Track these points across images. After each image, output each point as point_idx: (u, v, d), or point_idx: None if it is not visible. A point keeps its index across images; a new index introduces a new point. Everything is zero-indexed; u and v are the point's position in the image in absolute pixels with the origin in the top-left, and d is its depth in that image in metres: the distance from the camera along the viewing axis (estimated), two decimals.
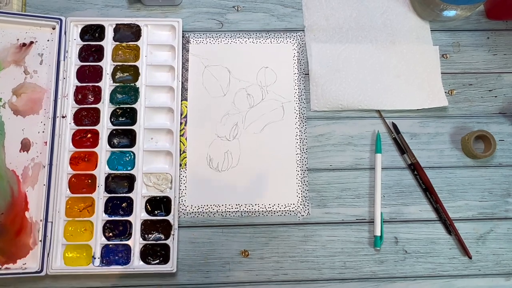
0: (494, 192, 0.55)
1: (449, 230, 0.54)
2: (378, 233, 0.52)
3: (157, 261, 0.51)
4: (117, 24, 0.57)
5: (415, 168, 0.55)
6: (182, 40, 0.58)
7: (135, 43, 0.57)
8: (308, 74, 0.58)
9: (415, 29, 0.59)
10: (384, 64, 0.58)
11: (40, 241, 0.50)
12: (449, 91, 0.58)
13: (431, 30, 0.60)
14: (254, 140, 0.55)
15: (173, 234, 0.51)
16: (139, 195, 0.53)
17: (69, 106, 0.55)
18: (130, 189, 0.53)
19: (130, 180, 0.53)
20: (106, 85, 0.55)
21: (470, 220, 0.54)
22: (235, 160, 0.55)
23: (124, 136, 0.54)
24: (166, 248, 0.51)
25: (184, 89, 0.57)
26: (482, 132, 0.55)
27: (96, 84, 0.55)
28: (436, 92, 0.57)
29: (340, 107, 0.57)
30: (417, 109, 0.57)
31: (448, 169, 0.56)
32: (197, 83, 0.57)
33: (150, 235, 0.52)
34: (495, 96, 0.58)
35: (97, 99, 0.55)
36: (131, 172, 0.53)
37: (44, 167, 0.52)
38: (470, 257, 0.53)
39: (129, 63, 0.56)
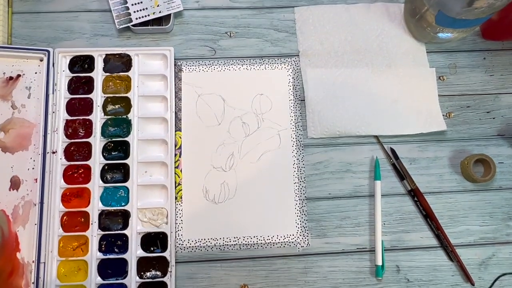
0: (495, 216, 0.57)
1: (451, 257, 0.55)
2: (379, 262, 0.54)
3: None
4: (106, 54, 0.58)
5: (415, 194, 0.56)
6: (174, 68, 0.59)
7: (126, 73, 0.58)
8: (304, 100, 0.59)
9: (411, 51, 0.61)
10: (381, 88, 0.59)
11: (33, 283, 0.51)
12: (447, 113, 0.60)
13: (427, 52, 0.62)
14: (251, 170, 0.56)
15: (171, 271, 0.53)
16: (134, 231, 0.54)
17: (59, 141, 0.55)
18: (125, 225, 0.54)
19: (124, 217, 0.54)
20: (97, 118, 0.56)
21: (471, 246, 0.56)
22: (232, 191, 0.56)
23: (117, 171, 0.55)
24: (164, 285, 0.52)
25: (177, 119, 0.57)
26: (481, 156, 0.57)
27: (87, 117, 0.56)
28: (434, 116, 0.59)
29: (338, 133, 0.58)
30: (415, 134, 0.58)
31: (448, 194, 0.57)
32: (190, 112, 0.58)
33: (147, 273, 0.53)
34: (493, 118, 0.60)
35: (88, 132, 0.56)
36: (125, 208, 0.54)
37: (35, 205, 0.53)
38: (473, 284, 0.55)
39: (120, 95, 0.57)
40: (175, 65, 0.59)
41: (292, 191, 0.56)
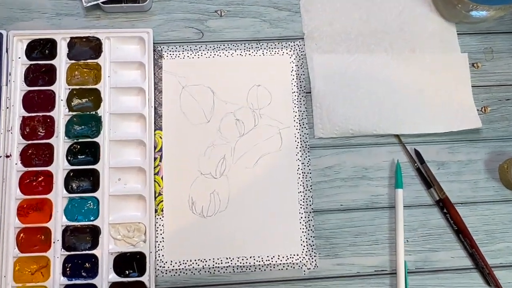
0: None
1: (488, 281, 0.54)
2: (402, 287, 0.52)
3: None
4: (72, 38, 0.56)
5: (444, 205, 0.55)
6: (154, 55, 0.57)
7: (95, 60, 0.56)
8: (310, 92, 0.58)
9: (438, 33, 0.59)
10: (403, 77, 0.58)
11: None
12: (482, 108, 0.58)
13: (457, 34, 0.60)
14: (246, 176, 0.55)
15: None
16: (106, 251, 0.52)
17: (14, 143, 0.54)
18: (94, 244, 0.52)
19: (93, 233, 0.53)
20: (61, 114, 0.55)
21: None
22: (224, 203, 0.54)
23: (85, 178, 0.54)
24: None
25: (157, 116, 0.56)
26: None
27: (48, 114, 0.55)
28: (466, 111, 0.57)
29: (351, 132, 0.56)
30: (445, 132, 0.57)
31: (484, 204, 0.56)
32: (173, 108, 0.56)
33: None
34: None
35: (50, 132, 0.54)
36: (95, 223, 0.53)
37: None
38: None
39: (88, 86, 0.55)
40: (154, 50, 0.58)
41: (297, 202, 0.55)
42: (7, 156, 0.53)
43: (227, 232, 0.53)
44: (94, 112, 0.55)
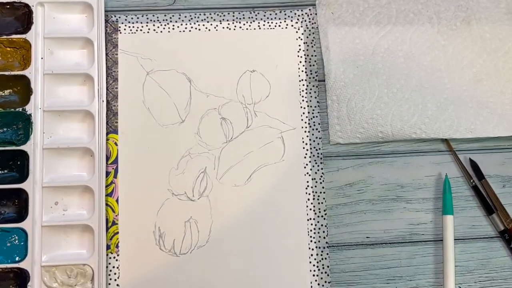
0: None
1: None
2: None
3: None
4: None
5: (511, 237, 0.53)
6: (106, 28, 0.55)
7: (23, 36, 0.54)
8: (323, 80, 0.56)
9: None
10: (454, 59, 0.56)
11: None
12: None
13: None
14: (235, 198, 0.53)
15: None
16: None
17: None
18: None
19: (20, 279, 0.50)
20: None
21: None
22: (204, 235, 0.52)
23: (7, 202, 0.52)
24: None
25: (111, 114, 0.54)
26: None
27: None
28: None
29: (381, 136, 0.54)
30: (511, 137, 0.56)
31: None
32: (134, 102, 0.55)
33: None
34: None
35: None
36: (21, 265, 0.50)
37: None
38: None
39: (13, 72, 0.53)
40: (106, 21, 0.55)
41: (305, 232, 0.53)
42: None
43: (208, 276, 0.51)
44: (20, 109, 0.52)
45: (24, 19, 0.54)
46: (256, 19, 0.56)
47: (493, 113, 0.54)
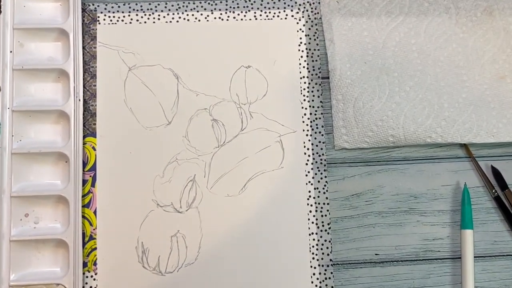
0: None
1: None
2: None
3: None
4: None
5: None
6: (83, 17, 0.56)
7: None
8: (327, 77, 0.56)
9: None
10: (474, 54, 0.56)
11: None
12: None
13: None
14: (228, 209, 0.54)
15: None
16: None
17: None
18: None
19: None
20: None
21: None
22: (193, 251, 0.52)
23: None
24: None
25: (89, 115, 0.55)
26: None
27: None
28: None
29: (392, 140, 0.55)
30: None
31: None
32: (114, 102, 0.55)
33: None
34: None
35: None
36: None
37: None
38: None
39: None
40: (83, 10, 0.56)
41: (306, 249, 0.53)
42: None
43: None
44: None
45: None
46: (252, 8, 0.57)
47: None
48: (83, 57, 0.55)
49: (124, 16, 0.56)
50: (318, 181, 0.54)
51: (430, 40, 0.57)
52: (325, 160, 0.55)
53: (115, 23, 0.56)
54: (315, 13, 0.57)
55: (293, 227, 0.53)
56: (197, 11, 0.56)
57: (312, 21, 0.57)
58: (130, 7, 0.56)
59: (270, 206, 0.54)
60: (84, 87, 0.54)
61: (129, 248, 0.52)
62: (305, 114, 0.56)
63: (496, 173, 0.55)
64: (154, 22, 0.56)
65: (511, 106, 0.55)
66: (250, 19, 0.57)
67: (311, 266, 0.52)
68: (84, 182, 0.53)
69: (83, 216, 0.52)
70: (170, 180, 0.53)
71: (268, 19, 0.57)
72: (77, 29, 0.54)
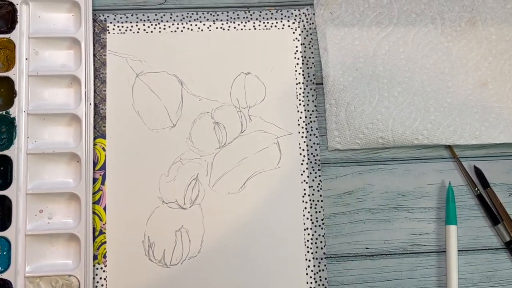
0: None
1: None
2: None
3: None
4: None
5: None
6: (94, 27, 0.57)
7: (7, 35, 0.55)
8: (321, 83, 0.57)
9: None
10: (458, 62, 0.57)
11: None
12: None
13: None
14: (228, 206, 0.55)
15: None
16: None
17: None
18: None
19: None
20: None
21: None
22: (196, 245, 0.53)
23: None
24: None
25: (99, 118, 0.55)
26: None
27: None
28: None
29: (381, 142, 0.55)
30: None
31: None
32: (123, 106, 0.56)
33: None
34: None
35: None
36: (4, 275, 0.51)
37: None
38: None
39: None
40: (94, 20, 0.57)
41: (301, 243, 0.54)
42: None
43: None
44: (4, 112, 0.53)
45: (8, 18, 0.55)
46: (251, 19, 0.57)
47: (499, 118, 0.55)
48: (94, 64, 0.55)
49: (132, 26, 0.56)
50: (313, 180, 0.55)
51: (417, 48, 0.57)
52: (319, 160, 0.55)
53: (124, 33, 0.56)
54: (310, 24, 0.58)
55: (289, 222, 0.54)
56: (200, 21, 0.57)
57: (307, 31, 0.57)
58: (137, 18, 0.56)
59: (267, 203, 0.54)
60: (94, 92, 0.55)
61: (137, 242, 0.53)
62: (300, 117, 0.56)
63: (479, 172, 0.55)
64: (160, 32, 0.56)
65: (493, 110, 0.56)
66: (249, 29, 0.57)
67: (306, 259, 0.53)
68: (95, 180, 0.54)
69: (94, 212, 0.53)
70: (174, 179, 0.54)
71: (266, 29, 0.57)
72: (88, 38, 0.55)
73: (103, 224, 0.53)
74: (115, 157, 0.54)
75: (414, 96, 0.56)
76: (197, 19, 0.57)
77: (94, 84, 0.55)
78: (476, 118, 0.55)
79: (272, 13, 0.58)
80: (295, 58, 0.57)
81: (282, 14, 0.57)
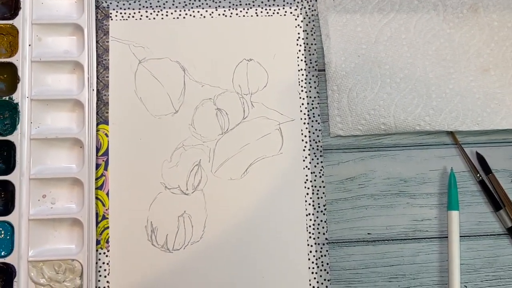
0: None
1: None
2: None
3: None
4: None
5: None
6: (97, 13, 0.57)
7: (10, 22, 0.55)
8: (323, 70, 0.57)
9: None
10: (460, 48, 0.57)
11: None
12: None
13: None
14: (231, 192, 0.55)
15: None
16: None
17: None
18: None
19: (5, 275, 0.51)
20: None
21: None
22: (198, 230, 0.53)
23: None
24: None
25: (102, 104, 0.55)
26: None
27: None
28: None
29: (383, 128, 0.55)
30: None
31: None
32: (125, 92, 0.56)
33: None
34: None
35: None
36: (7, 260, 0.51)
37: None
38: None
39: (0, 60, 0.55)
40: (97, 7, 0.57)
41: (303, 228, 0.54)
42: None
43: (202, 273, 0.52)
44: (7, 98, 0.54)
45: (11, 4, 0.55)
46: (254, 5, 0.57)
47: (501, 104, 0.55)
48: (97, 51, 0.55)
49: (134, 13, 0.56)
50: (315, 166, 0.55)
51: (419, 35, 0.57)
52: (321, 146, 0.55)
53: (126, 19, 0.56)
54: (312, 10, 0.57)
55: (291, 208, 0.54)
56: (202, 8, 0.57)
57: (309, 18, 0.57)
58: (140, 4, 0.56)
59: (270, 189, 0.54)
60: (97, 78, 0.55)
61: (139, 227, 0.53)
62: (302, 104, 0.56)
63: (481, 158, 0.55)
64: (162, 18, 0.56)
65: (495, 97, 0.55)
66: (251, 16, 0.57)
67: (308, 245, 0.53)
68: (98, 166, 0.54)
69: (97, 198, 0.53)
70: (177, 165, 0.54)
71: (269, 15, 0.57)
72: (91, 24, 0.55)
73: (106, 209, 0.53)
74: (118, 143, 0.54)
75: (416, 82, 0.56)
76: (200, 5, 0.57)
77: (96, 70, 0.55)
78: (478, 104, 0.55)
79: (274, 0, 0.57)
80: (297, 44, 0.57)
81: (284, 0, 0.57)
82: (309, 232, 0.53)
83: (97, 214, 0.53)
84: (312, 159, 0.55)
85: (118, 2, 0.56)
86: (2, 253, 0.51)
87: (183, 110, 0.55)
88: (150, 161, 0.54)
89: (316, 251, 0.53)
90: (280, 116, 0.56)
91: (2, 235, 0.51)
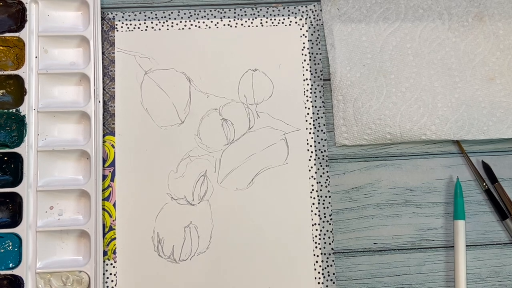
0: None
1: None
2: None
3: None
4: None
5: None
6: (103, 25, 0.56)
7: (16, 34, 0.55)
8: (329, 79, 0.57)
9: None
10: (465, 57, 0.57)
11: None
12: None
13: None
14: (236, 202, 0.54)
15: None
16: None
17: None
18: None
19: (13, 286, 0.51)
20: None
21: None
22: (205, 241, 0.53)
23: (1, 206, 0.53)
24: None
25: (108, 115, 0.55)
26: None
27: None
28: None
29: (389, 138, 0.55)
30: None
31: None
32: (131, 103, 0.56)
33: None
34: None
35: None
36: (15, 272, 0.51)
37: None
38: None
39: (7, 72, 0.55)
40: (103, 18, 0.57)
41: (310, 238, 0.54)
42: None
43: (208, 284, 0.52)
44: (14, 110, 0.53)
45: (17, 16, 0.55)
46: (259, 16, 0.57)
47: (506, 113, 0.55)
48: (103, 62, 0.55)
49: (140, 24, 0.56)
50: (321, 176, 0.54)
51: (424, 44, 0.57)
52: (327, 156, 0.55)
53: (132, 30, 0.56)
54: (317, 20, 0.57)
55: (297, 218, 0.54)
56: (208, 19, 0.56)
57: (314, 27, 0.57)
58: (145, 15, 0.56)
59: (275, 199, 0.54)
60: (103, 89, 0.55)
61: (146, 238, 0.53)
62: (308, 114, 0.56)
63: (487, 167, 0.55)
64: (168, 29, 0.56)
65: (501, 105, 0.55)
66: (256, 26, 0.57)
67: (314, 255, 0.53)
68: (104, 177, 0.53)
69: (103, 209, 0.53)
70: (183, 175, 0.54)
71: (274, 25, 0.57)
72: (97, 36, 0.55)
73: (113, 221, 0.53)
74: (124, 154, 0.54)
75: (422, 91, 0.55)
76: (205, 16, 0.56)
77: (103, 82, 0.55)
78: (484, 113, 0.55)
79: (279, 10, 0.56)
80: (302, 54, 0.57)
81: (289, 10, 0.57)
82: (315, 242, 0.53)
83: (104, 225, 0.52)
84: (318, 169, 0.54)
85: (123, 14, 0.56)
86: (10, 265, 0.51)
87: (189, 121, 0.55)
88: (156, 172, 0.54)
89: (322, 261, 0.53)
90: (285, 126, 0.55)
91: (10, 247, 0.51)
